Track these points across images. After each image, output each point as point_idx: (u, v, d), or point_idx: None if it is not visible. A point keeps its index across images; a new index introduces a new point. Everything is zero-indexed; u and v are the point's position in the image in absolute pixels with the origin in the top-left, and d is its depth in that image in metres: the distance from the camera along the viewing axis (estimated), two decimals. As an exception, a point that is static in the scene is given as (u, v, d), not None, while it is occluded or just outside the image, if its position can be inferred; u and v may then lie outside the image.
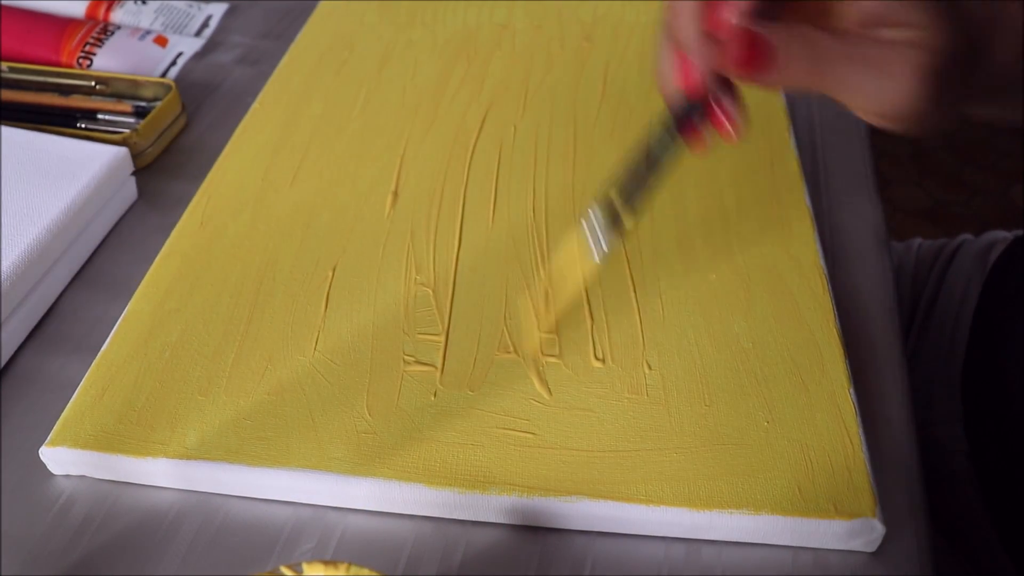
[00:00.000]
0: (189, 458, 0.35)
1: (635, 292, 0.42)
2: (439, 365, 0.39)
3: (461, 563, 0.34)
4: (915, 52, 0.29)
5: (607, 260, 0.36)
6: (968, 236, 0.61)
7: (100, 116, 0.53)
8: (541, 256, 0.44)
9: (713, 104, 0.33)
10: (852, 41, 0.30)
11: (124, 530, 0.35)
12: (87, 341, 0.42)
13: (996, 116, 0.35)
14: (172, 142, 0.54)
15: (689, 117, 0.33)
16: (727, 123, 0.34)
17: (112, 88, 0.56)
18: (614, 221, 0.34)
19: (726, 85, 0.33)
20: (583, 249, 0.35)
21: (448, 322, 0.41)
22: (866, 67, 0.29)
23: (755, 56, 0.29)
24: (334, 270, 0.43)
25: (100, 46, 0.59)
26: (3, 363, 0.41)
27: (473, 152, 0.51)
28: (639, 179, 0.34)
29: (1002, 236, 0.59)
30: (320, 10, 0.64)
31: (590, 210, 0.35)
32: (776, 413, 0.37)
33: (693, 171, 0.49)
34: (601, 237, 0.35)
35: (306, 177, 0.49)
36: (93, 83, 0.56)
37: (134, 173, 0.50)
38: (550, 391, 0.37)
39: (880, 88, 0.30)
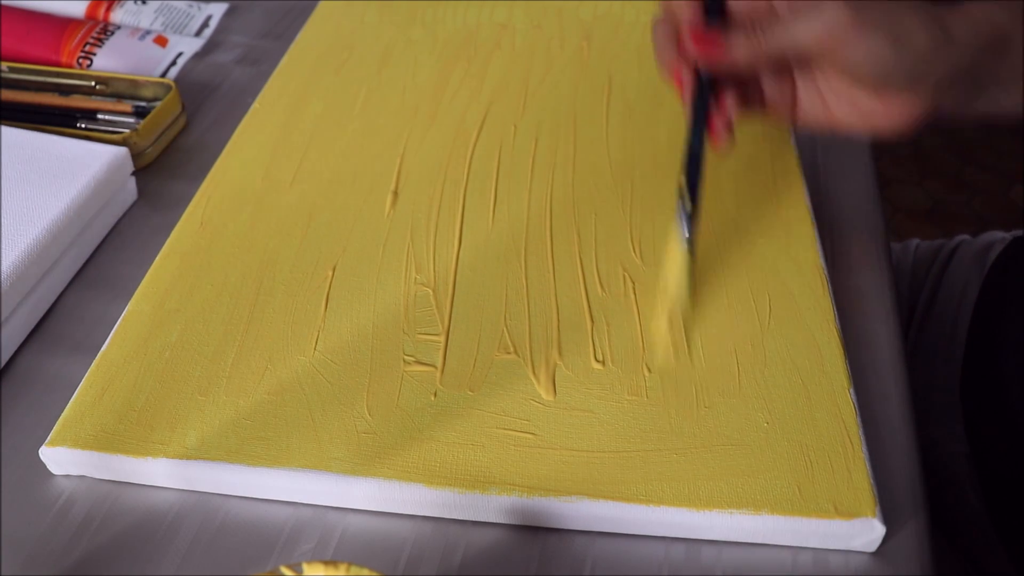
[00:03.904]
0: (189, 458, 0.35)
1: (635, 294, 0.42)
2: (439, 365, 0.39)
3: (461, 563, 0.34)
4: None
5: (692, 247, 0.40)
6: (966, 237, 0.61)
7: (100, 116, 0.53)
8: (541, 256, 0.44)
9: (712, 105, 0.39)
10: (784, 8, 0.37)
11: (124, 530, 0.35)
12: (87, 341, 0.42)
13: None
14: (172, 142, 0.54)
15: (702, 109, 0.39)
16: (716, 127, 0.39)
17: (112, 88, 0.56)
18: (684, 209, 0.40)
19: (717, 89, 0.39)
20: (676, 238, 0.40)
21: (448, 322, 0.41)
22: (795, 15, 0.36)
23: (708, 42, 0.37)
24: (334, 270, 0.43)
25: (100, 46, 0.59)
26: (3, 363, 0.41)
27: (473, 152, 0.51)
28: (688, 168, 0.39)
29: (1000, 237, 0.59)
30: (320, 10, 0.64)
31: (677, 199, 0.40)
32: (776, 413, 0.37)
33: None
34: (682, 225, 0.40)
35: (306, 177, 0.49)
36: (93, 83, 0.56)
37: (134, 173, 0.50)
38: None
39: (810, 25, 0.35)
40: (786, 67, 0.39)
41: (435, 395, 0.37)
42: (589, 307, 0.41)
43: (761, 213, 0.46)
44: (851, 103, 0.38)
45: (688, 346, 0.39)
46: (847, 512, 0.33)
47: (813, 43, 0.36)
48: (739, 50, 0.37)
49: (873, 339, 0.41)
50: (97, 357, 0.39)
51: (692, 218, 0.39)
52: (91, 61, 0.58)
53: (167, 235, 0.46)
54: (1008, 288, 0.53)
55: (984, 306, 0.55)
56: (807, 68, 0.39)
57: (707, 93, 0.39)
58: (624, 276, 0.43)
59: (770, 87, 0.40)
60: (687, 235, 0.39)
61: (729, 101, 0.39)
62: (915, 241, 0.64)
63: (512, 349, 0.39)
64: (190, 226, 0.46)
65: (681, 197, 0.39)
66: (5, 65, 0.56)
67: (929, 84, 0.36)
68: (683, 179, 0.39)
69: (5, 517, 0.35)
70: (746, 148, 0.50)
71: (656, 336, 0.40)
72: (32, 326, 0.43)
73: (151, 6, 0.64)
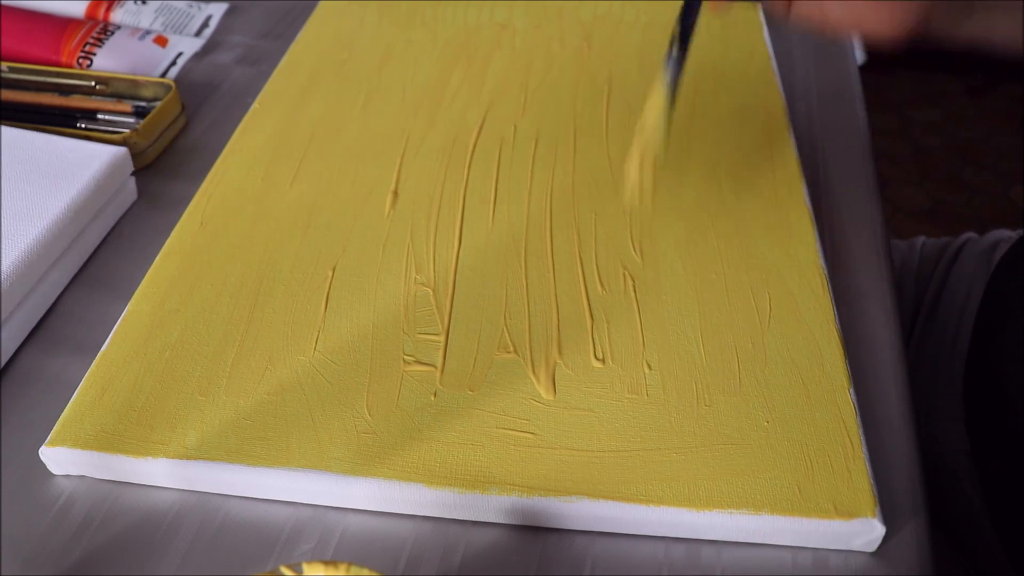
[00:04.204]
0: (189, 458, 0.35)
1: (635, 292, 0.42)
2: (439, 365, 0.39)
3: (461, 563, 0.34)
4: None
5: (674, 95, 0.41)
6: (972, 235, 0.61)
7: (100, 116, 0.53)
8: (541, 256, 0.44)
9: None
10: None
11: (124, 530, 0.35)
12: (87, 341, 0.42)
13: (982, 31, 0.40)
14: (172, 142, 0.54)
15: None
16: None
17: (112, 88, 0.56)
18: (673, 55, 0.41)
19: None
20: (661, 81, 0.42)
21: (448, 322, 0.41)
22: None
23: None
24: (334, 270, 0.43)
25: (100, 46, 0.59)
26: (3, 363, 0.41)
27: (473, 152, 0.51)
28: (683, 17, 0.41)
29: (1007, 235, 0.59)
30: (320, 10, 0.64)
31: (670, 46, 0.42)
32: (776, 413, 0.37)
33: (694, 171, 0.49)
34: (668, 71, 0.41)
35: (306, 177, 0.49)
36: (93, 83, 0.56)
37: (134, 173, 0.50)
38: (554, 383, 0.37)
39: None
40: None
41: (435, 395, 0.37)
42: (589, 305, 0.41)
43: (761, 213, 0.46)
44: (845, 3, 0.39)
45: (653, 189, 0.41)
46: (847, 512, 0.33)
47: None
48: None
49: (873, 339, 0.41)
50: (97, 357, 0.39)
51: (679, 65, 0.41)
52: (91, 61, 0.58)
53: (167, 235, 0.46)
54: (1013, 287, 0.53)
55: (989, 305, 0.55)
56: None
57: None
58: (624, 274, 0.43)
59: None
60: (672, 81, 0.41)
61: None
62: (921, 239, 0.64)
63: (512, 348, 0.39)
64: (190, 226, 0.46)
65: (672, 43, 0.41)
66: (5, 65, 0.56)
67: None
68: (677, 27, 0.41)
69: (5, 517, 0.35)
70: (746, 149, 0.50)
71: (626, 175, 0.41)
72: (32, 326, 0.43)
73: (151, 6, 0.64)
